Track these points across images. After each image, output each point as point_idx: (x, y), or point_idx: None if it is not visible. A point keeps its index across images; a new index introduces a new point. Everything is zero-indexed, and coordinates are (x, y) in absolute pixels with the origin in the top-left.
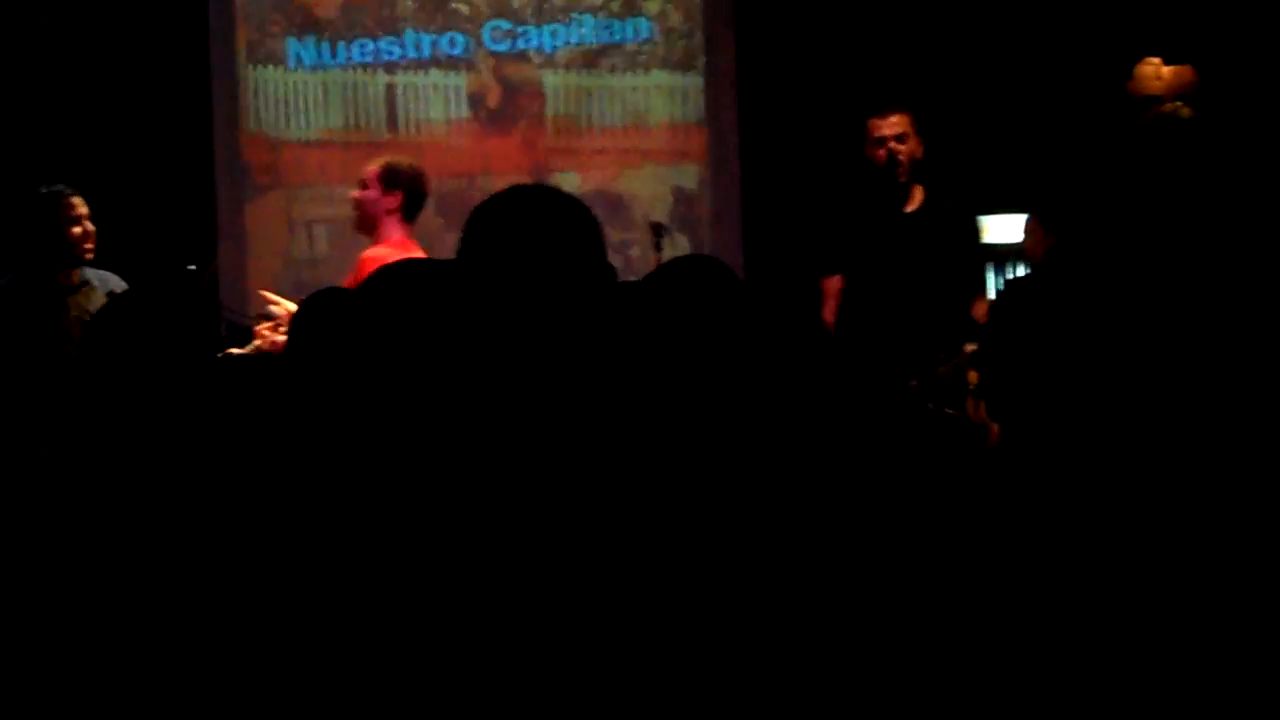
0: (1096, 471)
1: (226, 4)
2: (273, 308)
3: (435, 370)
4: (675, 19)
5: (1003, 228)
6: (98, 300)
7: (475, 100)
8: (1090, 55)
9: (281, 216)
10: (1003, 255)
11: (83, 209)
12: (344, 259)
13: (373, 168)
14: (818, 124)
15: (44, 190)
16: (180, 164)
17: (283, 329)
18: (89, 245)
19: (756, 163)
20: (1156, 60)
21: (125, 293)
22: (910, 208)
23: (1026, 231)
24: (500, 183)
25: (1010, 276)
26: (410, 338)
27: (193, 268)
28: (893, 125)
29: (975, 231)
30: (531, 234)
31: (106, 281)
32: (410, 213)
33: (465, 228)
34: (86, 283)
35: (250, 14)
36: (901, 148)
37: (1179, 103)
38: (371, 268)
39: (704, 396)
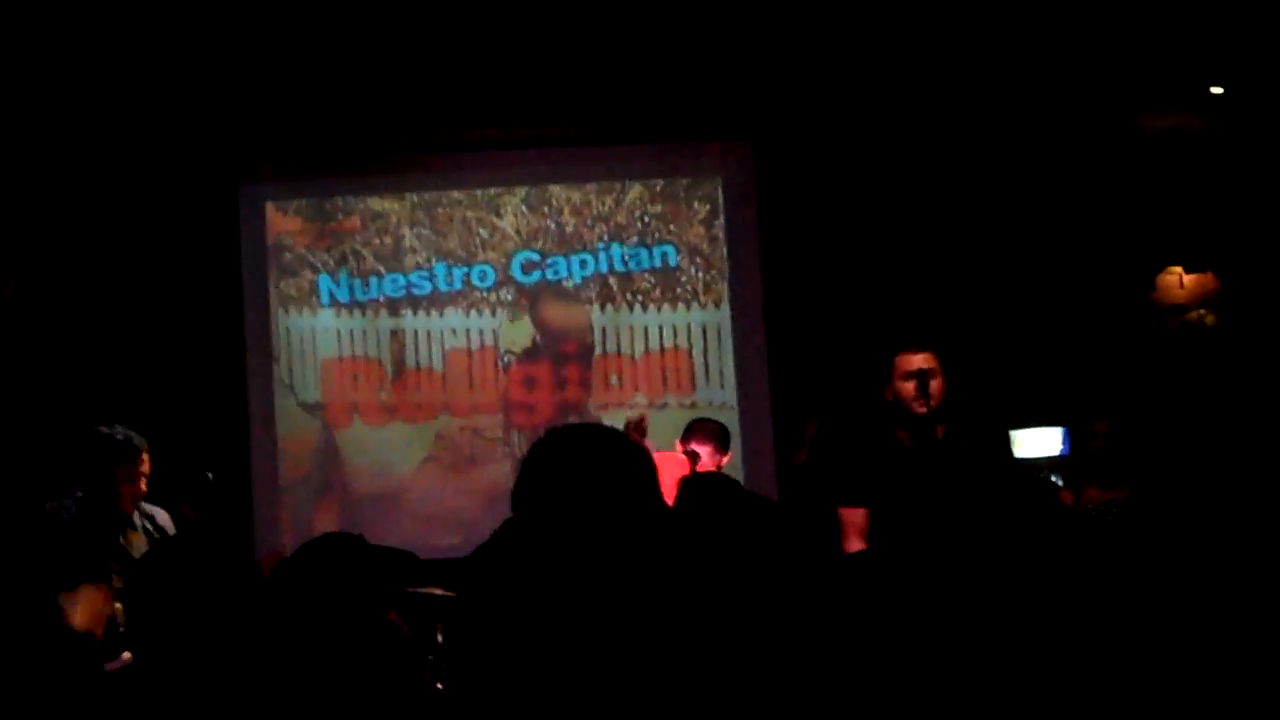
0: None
1: (259, 244)
2: None
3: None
4: (701, 248)
5: (1034, 441)
6: (143, 542)
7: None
8: (1112, 267)
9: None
10: (1035, 468)
11: (145, 466)
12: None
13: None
14: (842, 347)
15: (117, 436)
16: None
17: None
18: (137, 501)
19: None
20: (1178, 269)
21: (165, 542)
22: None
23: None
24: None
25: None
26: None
27: (210, 475)
28: (925, 359)
29: (1003, 459)
30: (584, 476)
31: (147, 519)
32: None
33: (521, 466)
34: (132, 524)
35: (281, 252)
36: (934, 382)
37: (1203, 310)
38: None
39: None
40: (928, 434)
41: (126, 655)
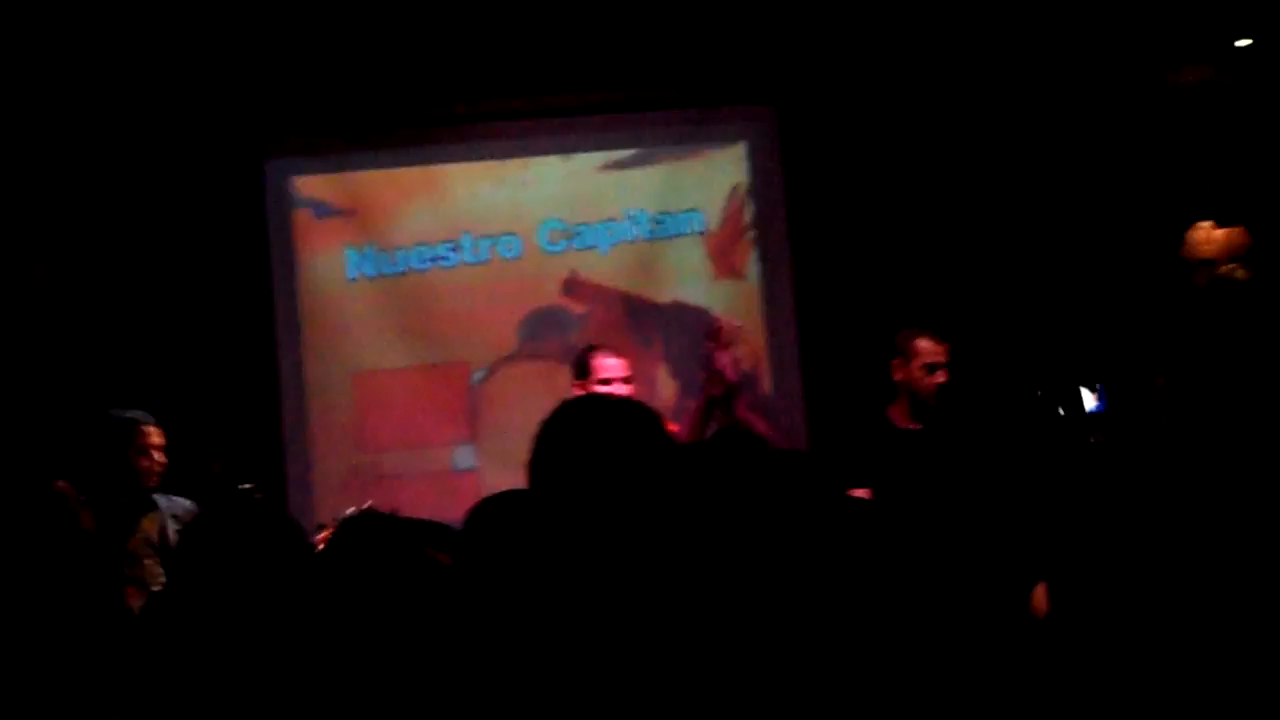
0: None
1: (286, 223)
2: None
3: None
4: (728, 213)
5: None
6: (169, 527)
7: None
8: (1140, 223)
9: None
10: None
11: (156, 439)
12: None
13: None
14: (872, 312)
15: (119, 416)
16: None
17: None
18: (155, 478)
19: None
20: (1208, 224)
21: (199, 519)
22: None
23: None
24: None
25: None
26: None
27: (248, 486)
28: (944, 353)
29: (983, 454)
30: (599, 446)
31: (173, 505)
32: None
33: (535, 440)
34: (154, 507)
35: (308, 225)
36: (945, 375)
37: (1234, 264)
38: None
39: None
40: (930, 418)
41: None
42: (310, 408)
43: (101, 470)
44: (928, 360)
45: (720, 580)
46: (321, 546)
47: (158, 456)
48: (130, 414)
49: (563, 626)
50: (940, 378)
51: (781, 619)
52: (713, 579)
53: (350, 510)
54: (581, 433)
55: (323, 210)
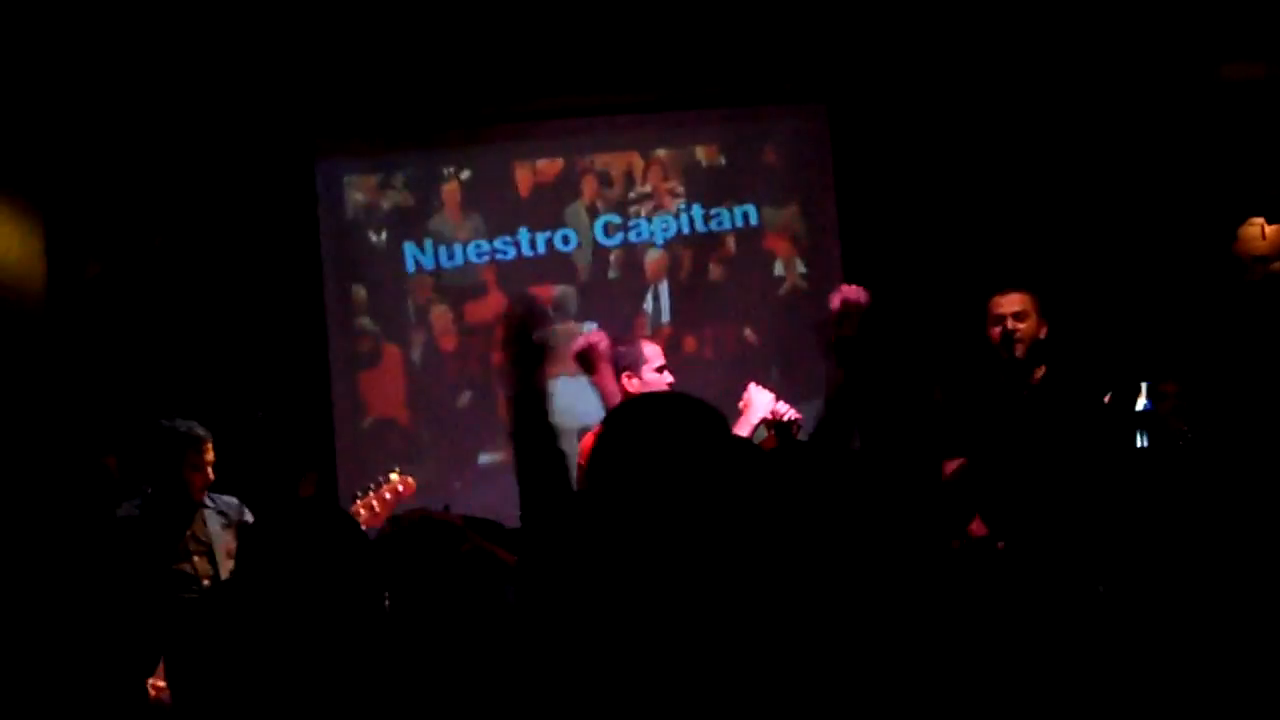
0: None
1: (339, 219)
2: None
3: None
4: (780, 203)
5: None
6: (213, 522)
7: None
8: (1192, 219)
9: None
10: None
11: (210, 454)
12: None
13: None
14: (933, 303)
15: (179, 428)
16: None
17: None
18: (203, 492)
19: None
20: (1260, 220)
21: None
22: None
23: None
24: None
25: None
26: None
27: (260, 414)
28: (1011, 303)
29: (1097, 408)
30: (662, 446)
31: (217, 503)
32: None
33: (597, 439)
34: (203, 505)
35: (364, 222)
36: (1020, 325)
37: None
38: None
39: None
40: (1022, 378)
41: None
42: (366, 404)
43: (156, 477)
44: (993, 315)
45: (794, 588)
46: (360, 513)
47: (209, 474)
48: (190, 427)
49: (624, 627)
50: (1004, 327)
51: (851, 621)
52: (786, 585)
53: (394, 477)
54: (665, 435)
55: (376, 209)
